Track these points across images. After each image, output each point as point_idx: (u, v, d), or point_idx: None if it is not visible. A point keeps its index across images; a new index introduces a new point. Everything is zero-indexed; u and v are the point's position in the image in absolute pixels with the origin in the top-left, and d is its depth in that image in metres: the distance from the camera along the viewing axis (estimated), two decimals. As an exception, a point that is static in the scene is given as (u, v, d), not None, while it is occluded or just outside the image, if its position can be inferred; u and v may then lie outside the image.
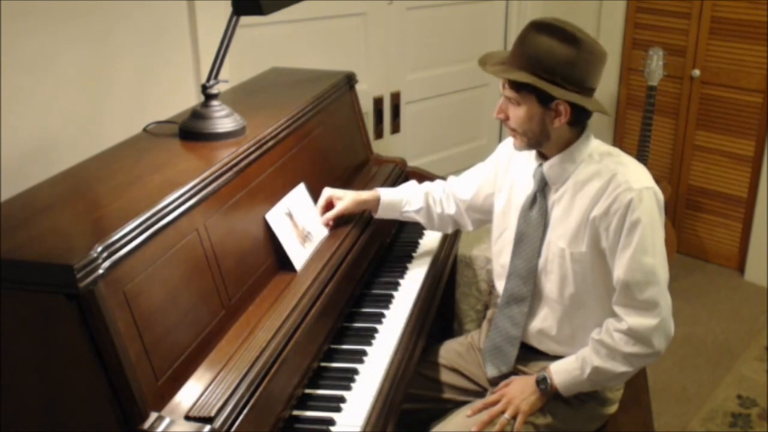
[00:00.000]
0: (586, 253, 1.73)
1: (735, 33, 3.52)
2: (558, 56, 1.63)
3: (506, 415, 1.77)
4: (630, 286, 1.67)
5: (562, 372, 1.77)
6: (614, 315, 1.72)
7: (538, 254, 1.81)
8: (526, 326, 1.87)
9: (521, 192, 1.86)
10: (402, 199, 2.10)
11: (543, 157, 1.79)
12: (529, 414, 1.78)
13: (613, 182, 1.68)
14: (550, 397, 1.79)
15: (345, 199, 2.02)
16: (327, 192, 2.02)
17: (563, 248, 1.75)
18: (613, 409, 1.89)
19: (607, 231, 1.68)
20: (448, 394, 1.98)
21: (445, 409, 1.96)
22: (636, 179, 1.67)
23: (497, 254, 1.95)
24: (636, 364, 1.72)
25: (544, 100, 1.67)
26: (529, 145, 1.77)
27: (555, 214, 1.78)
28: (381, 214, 2.10)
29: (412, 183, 2.17)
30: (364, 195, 2.07)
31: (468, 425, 1.78)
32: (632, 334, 1.68)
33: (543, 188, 1.80)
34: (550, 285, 1.80)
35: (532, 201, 1.82)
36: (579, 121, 1.72)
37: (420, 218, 2.11)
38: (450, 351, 2.05)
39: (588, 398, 1.84)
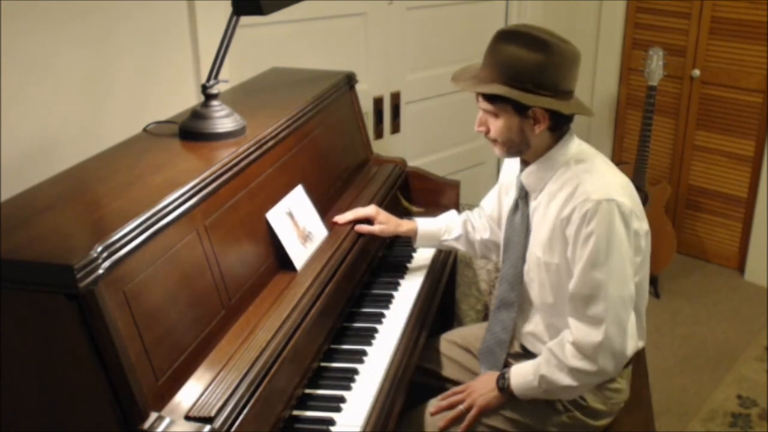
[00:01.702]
0: (559, 264, 1.71)
1: (735, 33, 3.52)
2: (526, 63, 1.62)
3: (461, 407, 1.79)
4: (576, 299, 1.66)
5: (518, 375, 1.77)
6: None
7: (523, 260, 1.81)
8: (520, 329, 1.88)
9: (512, 197, 1.86)
10: (440, 228, 2.10)
11: (525, 163, 1.79)
12: (483, 410, 1.78)
13: (577, 192, 1.65)
14: (508, 397, 1.79)
15: (388, 224, 2.04)
16: (373, 208, 2.05)
17: (539, 257, 1.75)
18: (600, 422, 1.84)
19: (569, 238, 1.67)
20: (450, 373, 2.02)
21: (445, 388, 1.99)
22: (596, 190, 1.63)
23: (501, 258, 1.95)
24: (581, 379, 1.68)
25: (520, 108, 1.66)
26: (509, 154, 1.77)
27: (534, 221, 1.78)
28: (420, 243, 2.12)
29: (452, 212, 2.17)
30: (404, 227, 2.09)
31: (431, 412, 1.83)
32: (577, 347, 1.66)
33: (525, 195, 1.80)
34: (533, 292, 1.81)
35: (515, 207, 1.82)
36: (559, 126, 1.71)
37: (460, 246, 2.11)
38: (469, 335, 2.08)
39: (572, 407, 1.82)
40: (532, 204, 1.78)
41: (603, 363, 1.65)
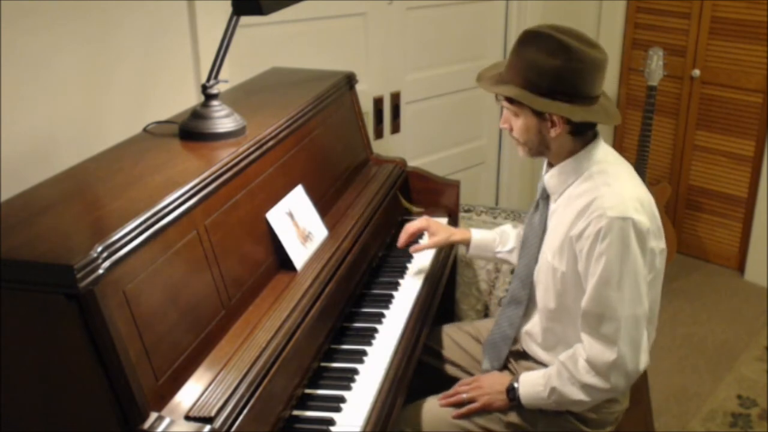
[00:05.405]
0: (566, 273, 1.70)
1: (735, 33, 3.52)
2: (543, 68, 1.61)
3: (464, 396, 1.80)
4: (589, 316, 1.65)
5: (527, 384, 1.77)
6: None
7: (536, 260, 1.81)
8: (519, 328, 1.88)
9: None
10: (495, 239, 2.09)
11: (550, 165, 1.79)
12: (485, 408, 1.79)
13: (593, 205, 1.63)
14: (513, 404, 1.79)
15: (438, 235, 2.06)
16: (425, 220, 2.07)
17: (549, 261, 1.75)
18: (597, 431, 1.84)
19: (581, 254, 1.65)
20: (450, 354, 2.05)
21: (447, 376, 2.01)
22: (613, 206, 1.60)
23: None
24: (593, 395, 1.68)
25: (537, 111, 1.66)
26: (531, 154, 1.77)
27: (551, 224, 1.78)
28: (473, 253, 2.12)
29: (507, 226, 2.15)
30: (457, 235, 2.09)
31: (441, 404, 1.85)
32: (591, 364, 1.65)
33: (546, 197, 1.80)
34: (539, 294, 1.81)
35: (536, 206, 1.83)
36: (580, 130, 1.69)
37: (513, 259, 2.07)
38: (482, 327, 2.08)
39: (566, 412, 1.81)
40: (552, 206, 1.79)
41: (615, 381, 1.64)
